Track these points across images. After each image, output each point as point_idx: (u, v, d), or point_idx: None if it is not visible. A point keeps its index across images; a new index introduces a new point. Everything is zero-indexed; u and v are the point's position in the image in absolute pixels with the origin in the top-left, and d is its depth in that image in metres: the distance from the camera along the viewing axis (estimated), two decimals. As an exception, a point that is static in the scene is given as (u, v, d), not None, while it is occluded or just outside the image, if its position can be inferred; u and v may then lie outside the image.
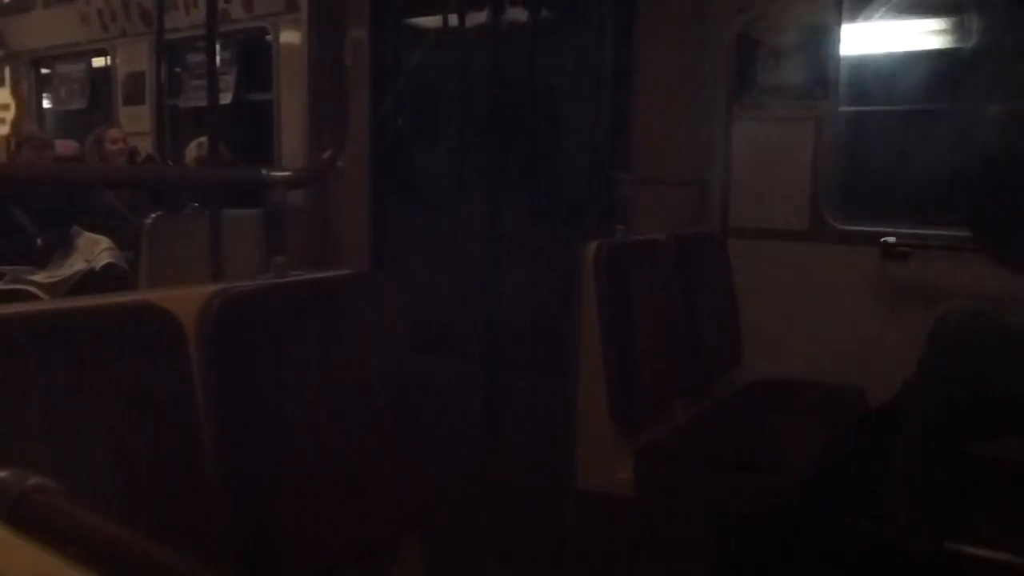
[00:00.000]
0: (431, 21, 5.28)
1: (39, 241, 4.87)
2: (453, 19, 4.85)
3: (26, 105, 7.62)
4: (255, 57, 5.95)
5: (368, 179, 4.94)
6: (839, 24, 3.55)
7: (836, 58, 3.56)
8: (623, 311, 2.92)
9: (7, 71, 7.71)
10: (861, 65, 3.65)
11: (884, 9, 3.62)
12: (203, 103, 4.96)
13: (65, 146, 6.12)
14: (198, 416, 1.61)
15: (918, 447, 2.50)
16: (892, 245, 3.43)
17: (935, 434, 2.48)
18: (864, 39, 3.64)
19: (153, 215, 3.93)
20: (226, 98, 5.75)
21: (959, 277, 3.21)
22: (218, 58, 4.11)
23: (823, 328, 3.54)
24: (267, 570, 1.67)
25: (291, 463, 1.74)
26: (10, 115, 7.19)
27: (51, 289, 4.58)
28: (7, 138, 6.54)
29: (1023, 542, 2.39)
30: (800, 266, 3.63)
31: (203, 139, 5.08)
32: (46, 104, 7.89)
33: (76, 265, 4.79)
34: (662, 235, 3.35)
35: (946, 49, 3.62)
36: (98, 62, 7.28)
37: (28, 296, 4.41)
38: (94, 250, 4.84)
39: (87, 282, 4.63)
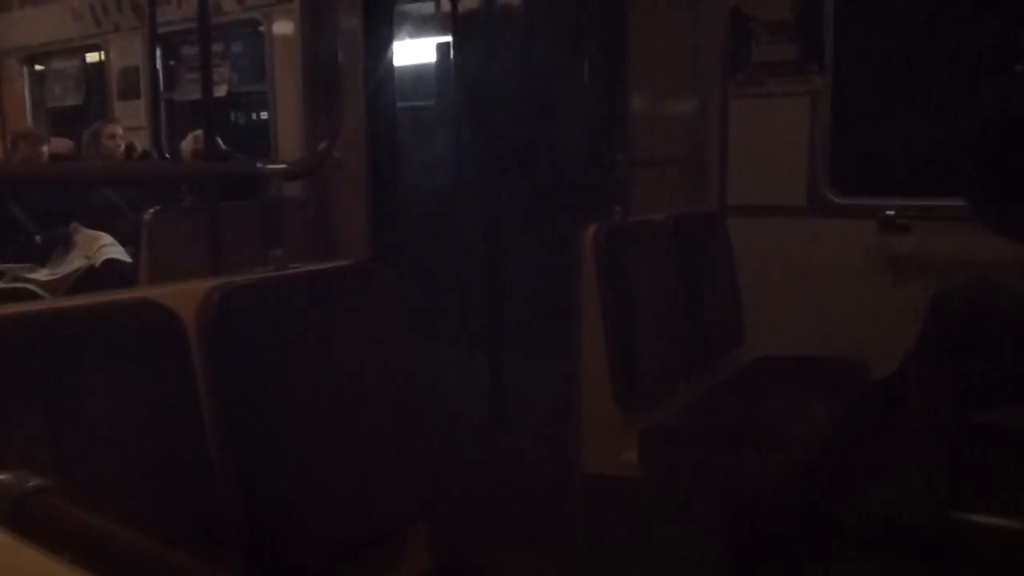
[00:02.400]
0: (424, 7, 5.26)
1: (38, 238, 4.87)
2: (446, 4, 4.84)
3: (21, 102, 7.61)
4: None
5: (366, 168, 4.93)
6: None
7: (830, 32, 3.54)
8: (623, 293, 2.92)
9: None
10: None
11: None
12: (198, 96, 4.95)
13: (59, 144, 6.10)
14: (201, 411, 1.62)
15: (921, 418, 2.51)
16: (892, 218, 3.43)
17: (938, 405, 2.48)
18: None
19: (152, 210, 3.92)
20: (221, 91, 5.74)
21: (960, 248, 3.21)
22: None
23: (824, 303, 3.54)
24: (273, 563, 1.68)
25: (295, 454, 1.75)
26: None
27: (52, 287, 4.58)
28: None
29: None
30: (800, 242, 3.63)
31: (199, 132, 5.06)
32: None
33: (76, 262, 4.78)
34: (661, 215, 3.34)
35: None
36: (92, 57, 7.26)
37: (29, 295, 4.41)
38: (93, 246, 4.84)
39: (88, 279, 4.63)
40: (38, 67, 7.80)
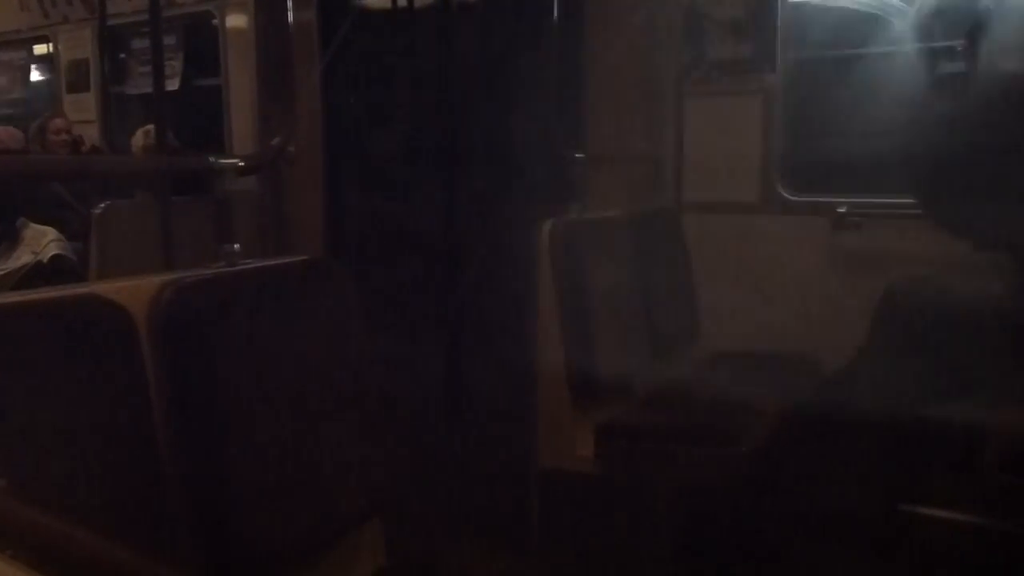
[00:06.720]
0: (380, 1, 5.21)
1: (-18, 234, 4.76)
2: (403, -1, 4.80)
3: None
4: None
5: (322, 163, 4.89)
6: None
7: (781, 31, 3.59)
8: (580, 290, 2.93)
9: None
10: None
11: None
12: (149, 90, 4.87)
13: (6, 133, 5.96)
14: (151, 409, 1.59)
15: (870, 414, 2.55)
16: (843, 215, 3.48)
17: (886, 401, 2.52)
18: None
19: (102, 204, 3.85)
20: (173, 84, 5.65)
21: (910, 245, 3.26)
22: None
23: (777, 300, 3.57)
24: (225, 562, 1.66)
25: (248, 453, 1.72)
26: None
27: (-3, 283, 4.48)
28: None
29: (974, 501, 2.45)
30: (753, 239, 3.67)
31: (150, 127, 4.98)
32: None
33: (23, 258, 4.68)
34: (617, 212, 3.36)
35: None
36: (40, 49, 7.12)
37: (-26, 291, 4.31)
38: (41, 242, 4.73)
39: (34, 275, 4.54)
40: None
